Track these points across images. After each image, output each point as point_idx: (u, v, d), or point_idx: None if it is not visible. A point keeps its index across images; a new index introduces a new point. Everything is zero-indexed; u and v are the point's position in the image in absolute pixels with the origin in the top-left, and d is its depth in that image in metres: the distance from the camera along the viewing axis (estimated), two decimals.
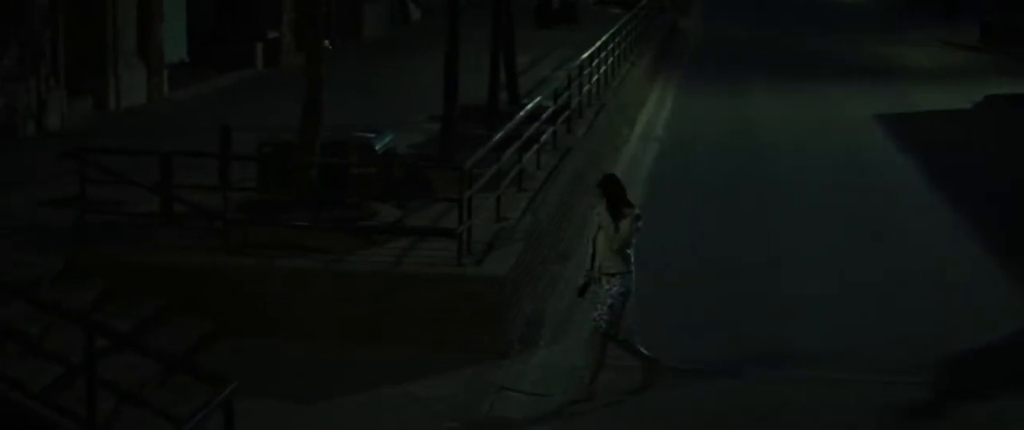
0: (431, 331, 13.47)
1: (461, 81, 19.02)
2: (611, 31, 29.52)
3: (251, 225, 14.33)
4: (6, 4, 20.32)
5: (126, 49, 24.03)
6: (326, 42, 16.59)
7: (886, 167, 24.57)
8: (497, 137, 16.33)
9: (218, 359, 12.64)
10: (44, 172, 17.14)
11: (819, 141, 27.27)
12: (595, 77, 26.07)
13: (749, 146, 26.60)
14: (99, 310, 12.85)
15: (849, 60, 42.46)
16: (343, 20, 34.42)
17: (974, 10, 51.24)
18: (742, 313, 15.32)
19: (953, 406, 12.85)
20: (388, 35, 38.18)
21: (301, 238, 14.24)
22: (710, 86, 35.34)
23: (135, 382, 11.19)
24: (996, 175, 24.03)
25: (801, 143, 26.99)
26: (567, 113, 21.95)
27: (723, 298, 15.88)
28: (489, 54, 22.34)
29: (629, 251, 12.53)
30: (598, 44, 26.55)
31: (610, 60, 28.93)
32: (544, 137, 19.33)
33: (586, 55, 25.00)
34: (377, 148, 16.71)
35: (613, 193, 12.57)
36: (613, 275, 12.41)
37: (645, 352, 12.77)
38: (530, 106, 19.05)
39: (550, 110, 20.18)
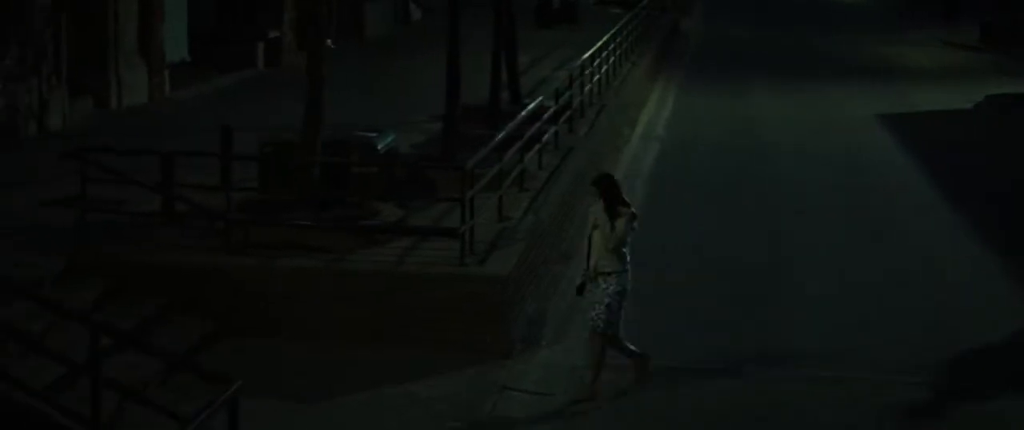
0: (433, 331, 13.48)
1: (462, 81, 19.03)
2: (612, 31, 29.53)
3: (253, 225, 14.34)
4: (8, 4, 20.33)
5: (127, 49, 24.04)
6: (328, 41, 16.60)
7: (887, 167, 24.57)
8: (499, 137, 16.34)
9: (219, 359, 12.64)
10: (45, 172, 17.15)
11: (820, 141, 27.27)
12: (596, 77, 26.08)
13: (750, 146, 26.60)
14: (100, 310, 12.85)
15: (850, 60, 42.46)
16: (344, 20, 34.39)
17: (974, 10, 51.23)
18: (743, 313, 15.33)
19: (953, 406, 12.86)
20: (389, 35, 38.17)
21: (303, 238, 14.25)
22: (711, 86, 35.34)
23: (137, 381, 11.18)
24: (997, 175, 24.03)
25: (802, 143, 26.99)
26: (569, 113, 21.97)
27: (724, 298, 15.89)
28: (490, 54, 22.36)
29: (625, 250, 12.52)
30: (599, 44, 26.56)
31: (611, 60, 28.94)
32: (546, 137, 19.35)
33: (587, 55, 25.01)
34: (379, 148, 16.73)
35: (609, 192, 12.56)
36: (609, 274, 12.40)
37: (634, 349, 12.75)
38: (532, 106, 19.06)
39: (552, 110, 20.20)
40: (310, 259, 13.97)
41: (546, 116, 19.60)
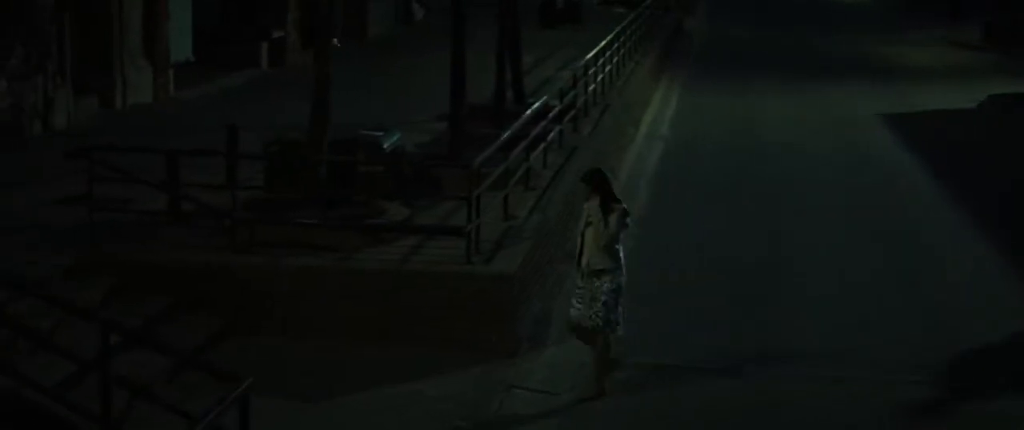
0: (439, 329, 13.50)
1: (466, 81, 19.05)
2: (616, 31, 29.55)
3: (259, 224, 14.36)
4: (12, 3, 20.35)
5: (132, 48, 24.06)
6: (335, 41, 16.63)
7: (890, 166, 24.57)
8: (505, 136, 16.35)
9: (225, 357, 12.64)
10: (51, 171, 17.18)
11: (823, 140, 27.28)
12: (600, 76, 26.10)
13: (754, 145, 26.61)
14: (107, 308, 12.88)
15: (852, 60, 42.43)
16: (347, 19, 34.48)
17: (976, 10, 51.19)
18: (745, 312, 15.34)
19: (955, 405, 12.89)
20: (391, 34, 38.18)
21: (309, 236, 14.27)
22: (715, 86, 35.34)
23: (145, 379, 11.20)
24: (999, 175, 24.02)
25: (805, 142, 26.99)
26: (573, 112, 21.98)
27: (726, 297, 15.91)
28: (493, 54, 22.38)
29: (618, 247, 12.49)
30: (603, 43, 26.58)
31: (615, 59, 28.96)
32: (551, 136, 19.36)
33: (591, 54, 25.02)
34: (385, 146, 16.74)
35: (603, 188, 12.53)
36: (602, 272, 12.36)
37: (612, 356, 12.70)
38: (537, 105, 19.08)
39: (556, 109, 20.21)
40: (316, 258, 13.99)
41: (551, 115, 19.61)
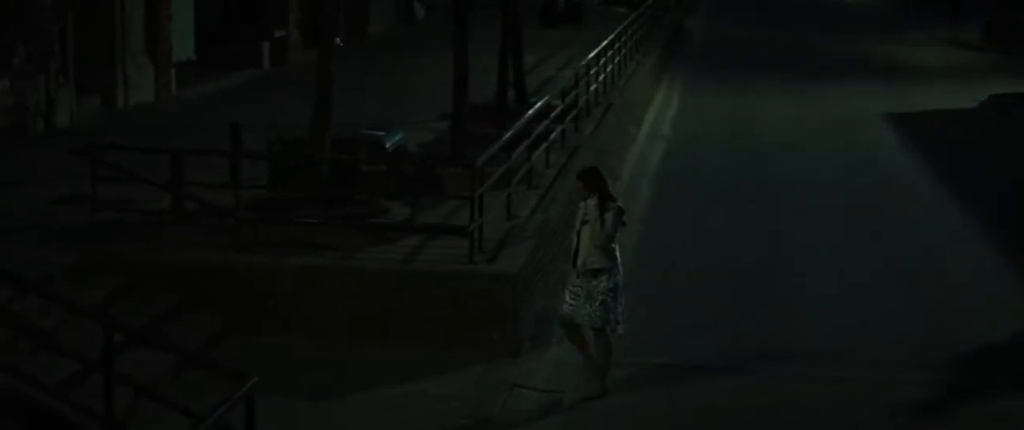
0: (442, 329, 13.51)
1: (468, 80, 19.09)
2: (617, 31, 29.56)
3: (261, 223, 14.36)
4: (15, 2, 20.36)
5: (134, 47, 24.07)
6: (337, 40, 16.64)
7: (891, 166, 24.59)
8: (507, 135, 16.37)
9: (228, 356, 12.62)
10: (54, 170, 17.21)
11: (825, 140, 27.30)
12: (602, 76, 26.11)
13: (755, 145, 26.63)
14: (110, 307, 12.88)
15: (854, 59, 42.45)
16: (349, 19, 34.46)
17: (977, 10, 51.21)
18: (747, 312, 15.36)
19: (956, 405, 12.90)
20: (393, 34, 38.19)
21: (311, 235, 14.29)
22: (716, 85, 35.36)
23: (148, 379, 11.22)
24: (1001, 174, 24.04)
25: (808, 142, 27.01)
26: (575, 112, 21.99)
27: (729, 296, 15.92)
28: (494, 53, 22.41)
29: (613, 246, 12.46)
30: (605, 43, 26.60)
31: (617, 59, 28.97)
32: (553, 135, 19.38)
33: (593, 54, 25.04)
34: (387, 146, 16.76)
35: (598, 186, 12.49)
36: (599, 271, 12.34)
37: (591, 355, 12.69)
38: (539, 104, 19.09)
39: (558, 109, 20.22)
40: (319, 257, 14.00)
41: (553, 115, 19.62)
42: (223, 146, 15.72)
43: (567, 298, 12.52)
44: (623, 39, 30.46)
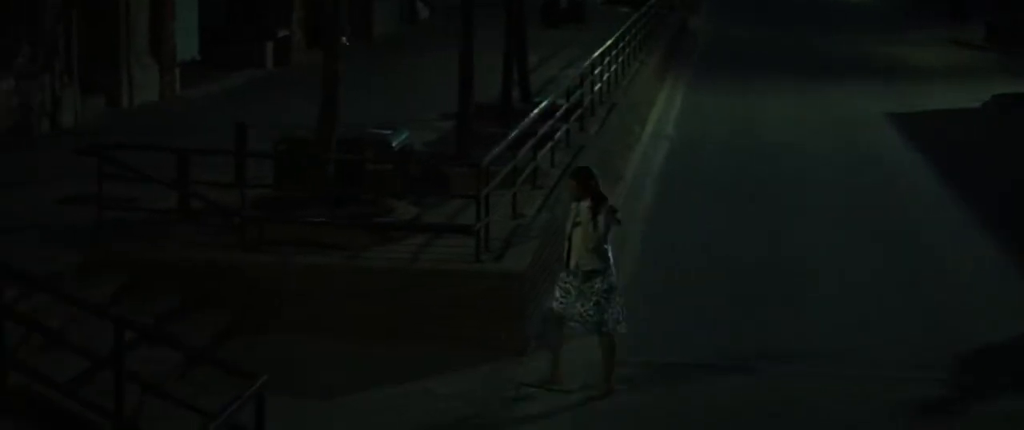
0: (448, 328, 13.52)
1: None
2: (620, 30, 29.57)
3: (267, 222, 14.37)
4: (19, 2, 20.38)
5: (139, 47, 24.10)
6: (343, 39, 16.65)
7: (896, 165, 24.60)
8: (512, 135, 16.38)
9: (233, 355, 12.59)
10: (59, 169, 17.22)
11: (829, 140, 27.30)
12: (606, 75, 26.13)
13: (759, 145, 26.64)
14: (117, 305, 12.88)
15: (855, 59, 42.44)
16: (352, 19, 34.48)
17: (978, 10, 51.20)
18: (750, 311, 15.37)
19: (963, 403, 12.91)
20: (396, 33, 38.20)
21: (317, 235, 14.29)
22: (719, 85, 35.37)
23: (155, 377, 11.24)
24: (1004, 174, 24.04)
25: (811, 142, 27.02)
26: (579, 111, 22.01)
27: (732, 296, 15.93)
28: (496, 53, 22.43)
29: (606, 246, 12.46)
30: (608, 43, 26.61)
31: (620, 59, 28.99)
32: (558, 135, 19.39)
33: (597, 53, 25.06)
34: (393, 145, 16.78)
35: (589, 186, 12.47)
36: (593, 272, 12.34)
37: (558, 359, 12.68)
38: (544, 104, 19.10)
39: (563, 108, 20.24)
40: (325, 256, 14.01)
41: (558, 114, 19.63)
42: (227, 146, 15.73)
43: (557, 295, 12.52)
44: (627, 38, 30.47)
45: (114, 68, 23.43)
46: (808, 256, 17.93)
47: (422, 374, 12.75)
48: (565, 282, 12.46)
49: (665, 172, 23.52)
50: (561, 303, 12.47)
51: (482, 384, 12.63)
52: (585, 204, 12.38)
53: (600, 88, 25.10)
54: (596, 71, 24.68)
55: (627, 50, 30.61)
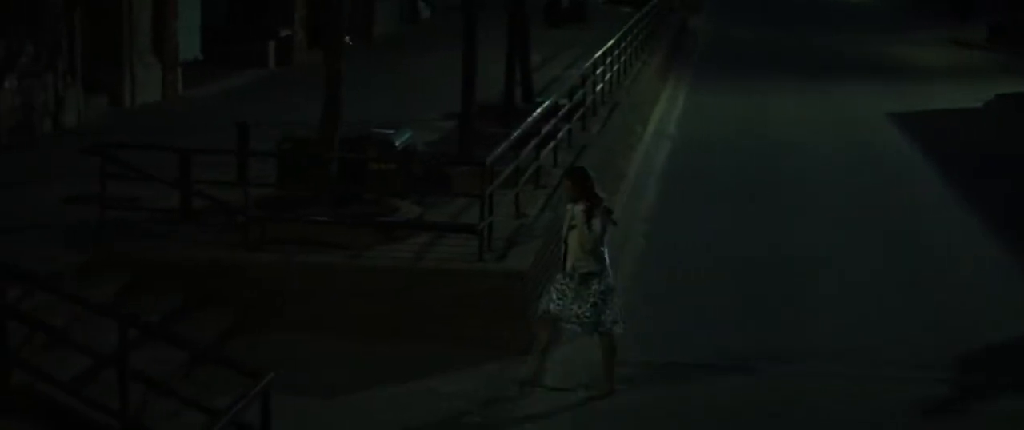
0: (451, 327, 13.52)
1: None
2: (623, 30, 29.58)
3: (270, 221, 14.37)
4: (22, 1, 20.37)
5: (141, 46, 24.10)
6: (347, 38, 16.64)
7: (896, 165, 24.60)
8: (515, 134, 16.38)
9: (235, 355, 12.61)
10: (62, 169, 17.23)
11: (832, 140, 27.31)
12: (608, 75, 26.13)
13: (760, 145, 26.65)
14: (119, 305, 12.89)
15: (858, 59, 42.45)
16: (354, 18, 34.46)
17: (981, 10, 51.20)
18: (753, 310, 15.38)
19: (966, 403, 12.92)
20: (397, 33, 38.21)
21: (320, 234, 14.30)
22: (720, 85, 35.39)
23: (158, 376, 11.24)
24: (1008, 174, 24.04)
25: (814, 141, 27.03)
26: (582, 111, 22.01)
27: (735, 295, 15.94)
28: (499, 53, 22.42)
29: (602, 248, 12.43)
30: (611, 43, 26.62)
31: (623, 58, 28.99)
32: (560, 135, 19.39)
33: (599, 53, 25.06)
34: (397, 144, 16.77)
35: (584, 186, 12.44)
36: (589, 275, 12.32)
37: (543, 360, 12.65)
38: (547, 103, 19.10)
39: (565, 108, 20.24)
40: (328, 255, 14.01)
41: (561, 114, 19.64)
42: (229, 145, 15.73)
43: (553, 296, 12.49)
44: (628, 38, 30.47)
45: (117, 67, 23.43)
46: (809, 256, 17.93)
47: (425, 373, 12.75)
48: (561, 284, 12.45)
49: (667, 171, 23.53)
50: (557, 305, 12.46)
51: (486, 383, 12.62)
52: (579, 207, 12.36)
53: (602, 88, 25.09)
54: (598, 71, 24.68)
55: (629, 50, 30.61)
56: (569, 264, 12.36)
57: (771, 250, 18.12)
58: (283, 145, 15.91)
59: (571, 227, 12.37)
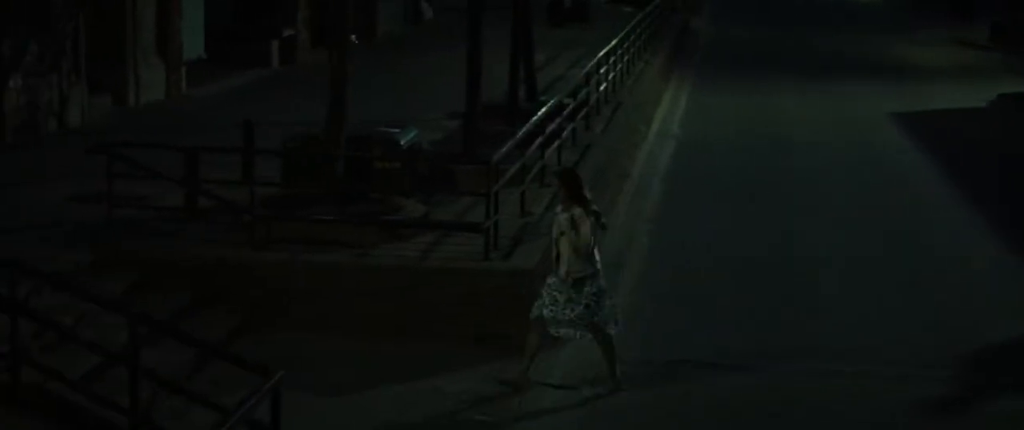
0: (457, 325, 13.53)
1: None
2: (626, 30, 29.60)
3: (276, 220, 14.39)
4: (28, 1, 20.40)
5: (145, 46, 24.14)
6: (353, 37, 16.65)
7: (900, 165, 24.61)
8: (520, 133, 16.40)
9: (242, 353, 12.67)
10: (67, 167, 17.27)
11: (833, 140, 27.30)
12: (611, 75, 26.15)
13: (764, 144, 26.65)
14: (127, 304, 12.91)
15: (860, 59, 42.43)
16: (357, 18, 34.47)
17: (983, 10, 51.20)
18: (757, 309, 15.39)
19: (966, 403, 12.91)
20: (401, 33, 38.25)
21: (326, 232, 14.31)
22: (723, 85, 35.39)
23: (166, 374, 11.26)
24: (1011, 174, 24.05)
25: (817, 141, 27.03)
26: (585, 110, 22.03)
27: (739, 294, 15.96)
28: (501, 53, 22.43)
29: (594, 249, 12.43)
30: (614, 42, 26.64)
31: (626, 58, 29.01)
32: (564, 134, 19.41)
33: (603, 53, 25.08)
34: (402, 143, 16.79)
35: (572, 188, 12.46)
36: (582, 279, 12.33)
37: (530, 361, 12.62)
38: (551, 103, 19.13)
39: (569, 107, 20.26)
40: (334, 254, 14.03)
41: (565, 113, 19.66)
42: (234, 144, 15.75)
43: (546, 302, 12.48)
44: (631, 38, 30.49)
45: (121, 67, 23.49)
46: (812, 255, 17.95)
47: (431, 372, 12.78)
48: (554, 289, 12.45)
49: (671, 171, 23.54)
50: (550, 310, 12.47)
51: (490, 382, 12.62)
52: (564, 216, 12.36)
53: (606, 87, 25.11)
54: (601, 70, 24.69)
55: (632, 50, 30.63)
56: (563, 270, 12.36)
57: (772, 250, 18.13)
58: (289, 144, 15.93)
59: (561, 233, 12.38)
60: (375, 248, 14.23)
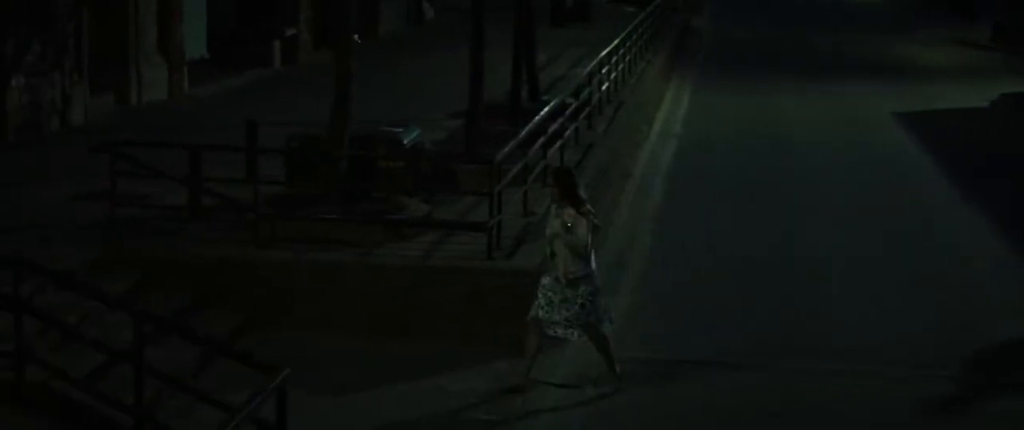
0: (460, 325, 13.54)
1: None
2: (627, 30, 29.61)
3: (279, 219, 14.40)
4: (30, 1, 20.43)
5: (148, 45, 24.17)
6: (355, 36, 16.68)
7: (902, 165, 24.62)
8: (523, 133, 16.42)
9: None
10: (70, 167, 17.29)
11: (835, 139, 27.32)
12: (613, 74, 26.16)
13: (765, 144, 26.67)
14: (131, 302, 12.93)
15: (861, 59, 42.45)
16: (359, 18, 34.49)
17: (985, 10, 51.20)
18: (758, 308, 15.40)
19: (966, 403, 12.91)
20: (403, 33, 38.26)
21: (330, 231, 14.33)
22: (725, 84, 35.41)
23: (171, 373, 11.27)
24: (1014, 174, 24.06)
25: (819, 141, 27.05)
26: (588, 110, 22.05)
27: (740, 293, 15.96)
28: (503, 52, 22.45)
29: (590, 251, 12.44)
30: (616, 42, 26.66)
31: (627, 58, 29.03)
32: (567, 133, 19.42)
33: (605, 52, 25.10)
34: (405, 142, 16.81)
35: (565, 188, 12.44)
36: (578, 280, 12.32)
37: (531, 363, 12.64)
38: (554, 102, 19.14)
39: (572, 107, 20.27)
40: (337, 253, 14.05)
41: (567, 113, 19.67)
42: (237, 143, 15.75)
43: (541, 303, 12.47)
44: (633, 38, 30.50)
45: (123, 66, 23.51)
46: (812, 255, 17.96)
47: (434, 371, 12.79)
48: (548, 290, 12.45)
49: (673, 170, 23.56)
50: (545, 312, 12.48)
51: (494, 381, 12.64)
52: (557, 222, 12.36)
53: (608, 87, 25.13)
54: (603, 70, 24.71)
55: (634, 49, 30.64)
56: (560, 270, 12.34)
57: (772, 250, 18.15)
58: (292, 143, 15.94)
59: (555, 235, 12.38)
60: (379, 247, 14.25)
